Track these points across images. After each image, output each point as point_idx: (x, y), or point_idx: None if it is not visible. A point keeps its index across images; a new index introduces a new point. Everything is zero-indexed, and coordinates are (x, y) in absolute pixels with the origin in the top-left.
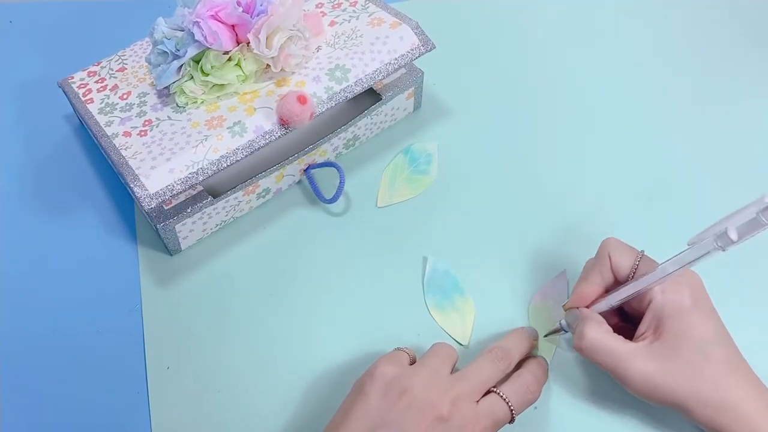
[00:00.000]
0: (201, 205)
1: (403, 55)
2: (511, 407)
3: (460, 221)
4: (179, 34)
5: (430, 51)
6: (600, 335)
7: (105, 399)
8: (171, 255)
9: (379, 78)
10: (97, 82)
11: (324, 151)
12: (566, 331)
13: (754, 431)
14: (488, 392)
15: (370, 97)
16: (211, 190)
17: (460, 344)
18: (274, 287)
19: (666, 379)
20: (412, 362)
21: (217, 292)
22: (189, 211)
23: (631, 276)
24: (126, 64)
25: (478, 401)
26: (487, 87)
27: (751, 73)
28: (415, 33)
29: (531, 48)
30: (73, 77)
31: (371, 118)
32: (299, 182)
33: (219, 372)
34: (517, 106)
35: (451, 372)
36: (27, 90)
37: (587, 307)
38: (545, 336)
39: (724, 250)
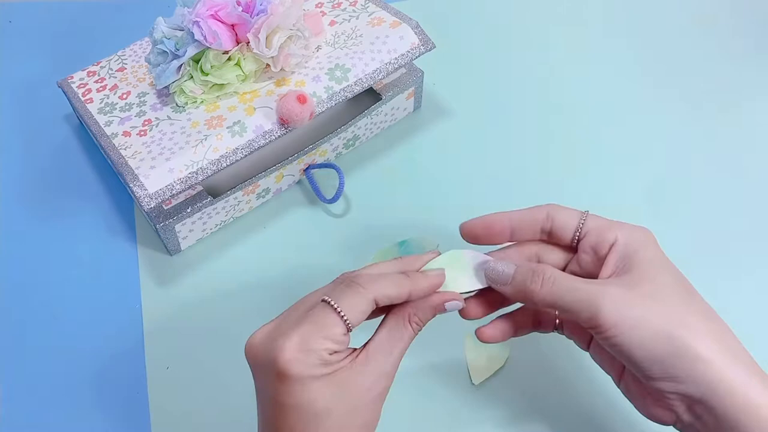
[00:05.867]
0: (201, 205)
1: (403, 55)
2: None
3: (460, 221)
4: (179, 33)
5: (430, 51)
6: (563, 275)
7: (105, 399)
8: (171, 255)
9: (379, 78)
10: (96, 82)
11: (324, 151)
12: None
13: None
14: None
15: (370, 97)
16: (211, 190)
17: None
18: (274, 287)
19: (647, 302)
20: None
21: (217, 292)
22: (189, 211)
23: (576, 236)
24: (126, 64)
25: None
26: (487, 87)
27: (751, 74)
28: (415, 33)
29: (531, 48)
30: (72, 77)
31: (371, 118)
32: (299, 182)
33: (219, 372)
34: (517, 106)
35: None
36: (27, 90)
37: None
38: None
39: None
